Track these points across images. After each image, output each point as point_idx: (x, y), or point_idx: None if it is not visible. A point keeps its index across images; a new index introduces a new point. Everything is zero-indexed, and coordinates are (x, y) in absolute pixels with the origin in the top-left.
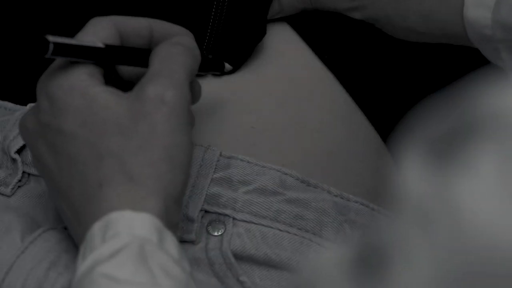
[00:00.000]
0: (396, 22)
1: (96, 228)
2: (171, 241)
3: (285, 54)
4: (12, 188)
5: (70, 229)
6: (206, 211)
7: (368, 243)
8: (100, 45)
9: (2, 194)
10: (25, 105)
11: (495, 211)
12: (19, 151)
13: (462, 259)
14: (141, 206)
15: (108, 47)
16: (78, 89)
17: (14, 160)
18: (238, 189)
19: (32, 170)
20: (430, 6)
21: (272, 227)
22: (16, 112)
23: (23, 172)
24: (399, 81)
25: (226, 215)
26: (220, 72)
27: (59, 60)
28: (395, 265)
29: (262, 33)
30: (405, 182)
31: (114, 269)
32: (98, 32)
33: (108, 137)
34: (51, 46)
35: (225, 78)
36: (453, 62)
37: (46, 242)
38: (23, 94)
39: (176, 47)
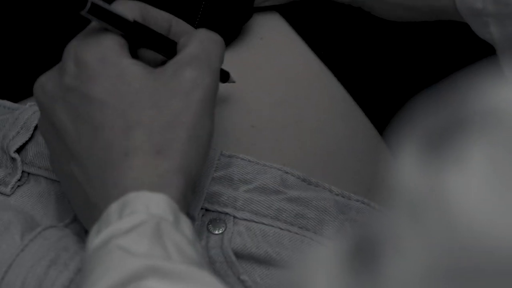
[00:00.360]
0: None
1: (113, 207)
2: (185, 223)
3: (283, 52)
4: (12, 188)
5: (74, 197)
6: (207, 210)
7: (361, 237)
8: (131, 19)
9: (2, 194)
10: (25, 103)
11: (486, 204)
12: (19, 150)
13: (453, 251)
14: (165, 180)
15: (137, 23)
16: (111, 58)
17: (13, 159)
18: (238, 187)
19: (32, 169)
20: None
21: (273, 226)
22: (15, 111)
23: (23, 171)
24: (396, 76)
25: (226, 213)
26: (223, 81)
27: (90, 27)
28: (387, 257)
29: (249, 13)
30: (398, 175)
31: (130, 243)
32: (124, 11)
33: (140, 108)
34: (88, 4)
35: None
36: (451, 56)
37: (46, 240)
38: (22, 92)
39: (215, 35)
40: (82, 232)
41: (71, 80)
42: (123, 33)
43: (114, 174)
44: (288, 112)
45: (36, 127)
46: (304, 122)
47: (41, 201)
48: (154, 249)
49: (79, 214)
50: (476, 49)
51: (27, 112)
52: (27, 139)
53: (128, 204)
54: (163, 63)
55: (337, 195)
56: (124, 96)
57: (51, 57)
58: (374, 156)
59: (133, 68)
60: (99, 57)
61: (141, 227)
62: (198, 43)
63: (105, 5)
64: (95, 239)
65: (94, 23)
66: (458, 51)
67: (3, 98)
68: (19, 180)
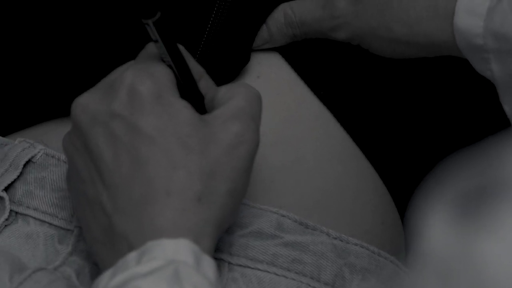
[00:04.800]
0: (381, 34)
1: (132, 255)
2: (208, 265)
3: (280, 91)
4: None
5: (93, 222)
6: None
7: None
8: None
9: None
10: (14, 138)
11: None
12: (6, 189)
13: None
14: (200, 229)
15: (184, 60)
16: (166, 96)
17: (1, 198)
18: (234, 232)
19: (20, 209)
20: (416, 14)
21: (268, 272)
22: (4, 146)
23: (11, 210)
24: (396, 116)
25: (221, 259)
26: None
27: (142, 55)
28: None
29: (246, 59)
30: (429, 239)
31: (149, 286)
32: None
33: (187, 152)
34: (158, 14)
35: None
36: (452, 93)
37: (36, 283)
38: (12, 126)
39: (256, 91)
40: (72, 276)
41: (120, 107)
42: (170, 62)
43: (152, 210)
44: (285, 152)
45: (25, 165)
46: (301, 162)
47: (29, 242)
48: None
49: (92, 240)
50: (476, 86)
51: (16, 149)
52: (16, 177)
53: (147, 252)
54: None
55: (335, 238)
56: (173, 137)
57: (41, 91)
58: (372, 197)
59: (185, 111)
60: (155, 93)
61: (160, 271)
62: (244, 96)
63: (168, 26)
64: (110, 282)
65: (148, 50)
66: (458, 87)
67: None
68: (6, 219)
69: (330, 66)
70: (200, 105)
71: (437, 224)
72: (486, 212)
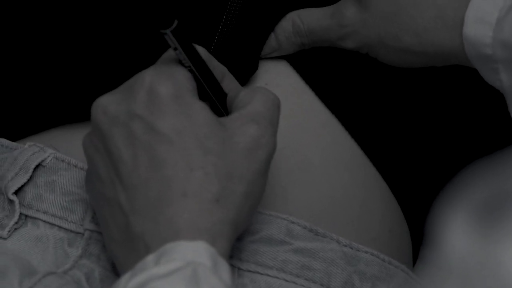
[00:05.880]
0: (390, 43)
1: (150, 257)
2: (224, 268)
3: (288, 99)
4: (9, 231)
5: (111, 222)
6: None
7: None
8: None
9: None
10: (23, 143)
11: None
12: (17, 192)
13: None
14: (217, 229)
15: (205, 63)
16: (185, 97)
17: (11, 201)
18: (243, 238)
19: (30, 212)
20: (424, 24)
21: (278, 278)
22: (14, 150)
23: (20, 213)
24: (404, 124)
25: (231, 265)
26: None
27: (163, 59)
28: None
29: (254, 68)
30: (448, 245)
31: (167, 287)
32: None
33: (205, 153)
34: (175, 23)
35: None
36: (460, 102)
37: None
38: (20, 131)
39: (275, 97)
40: (82, 279)
41: (139, 108)
42: (191, 66)
43: (169, 211)
44: (293, 160)
45: (35, 169)
46: (309, 170)
47: (38, 245)
48: None
49: (110, 240)
50: (485, 96)
51: (26, 153)
52: (26, 180)
53: (165, 253)
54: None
55: (345, 246)
56: (192, 138)
57: (50, 96)
58: (379, 205)
59: (204, 113)
60: (174, 93)
61: (179, 272)
62: (263, 101)
63: (186, 33)
64: (129, 282)
65: (168, 54)
66: (465, 96)
67: (0, 137)
68: (16, 223)
69: (338, 75)
70: (223, 105)
71: (457, 233)
72: (506, 221)
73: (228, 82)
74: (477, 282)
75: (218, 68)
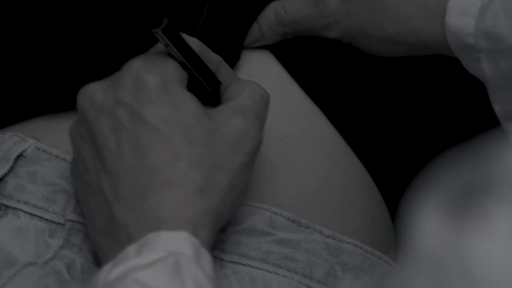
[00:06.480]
0: (373, 33)
1: (132, 247)
2: (207, 259)
3: (272, 90)
4: None
5: (95, 211)
6: None
7: None
8: (195, 49)
9: None
10: (4, 133)
11: (509, 268)
12: None
13: None
14: (200, 219)
15: (198, 56)
16: (173, 86)
17: None
18: (226, 229)
19: (11, 203)
20: (407, 13)
21: (260, 268)
22: None
23: (1, 204)
24: (388, 114)
25: (214, 256)
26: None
27: (154, 50)
28: None
29: (236, 57)
30: (419, 234)
31: (148, 278)
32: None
33: (190, 143)
34: (165, 22)
35: None
36: (444, 92)
37: (26, 278)
38: (1, 121)
39: (265, 92)
40: (62, 270)
41: (126, 95)
42: (184, 61)
43: (152, 200)
44: (277, 151)
45: (16, 159)
46: (293, 161)
47: (19, 236)
48: (172, 285)
49: (94, 229)
50: (467, 85)
51: (7, 143)
52: (6, 171)
53: (147, 243)
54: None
55: (328, 237)
56: (177, 127)
57: (32, 86)
58: (362, 196)
59: (191, 103)
60: (161, 83)
61: (160, 262)
62: (251, 94)
63: (176, 29)
64: (110, 273)
65: (159, 47)
66: (448, 86)
67: None
68: None
69: (321, 64)
70: (218, 96)
71: (428, 222)
72: (476, 210)
73: (224, 72)
74: (448, 270)
75: (213, 58)
